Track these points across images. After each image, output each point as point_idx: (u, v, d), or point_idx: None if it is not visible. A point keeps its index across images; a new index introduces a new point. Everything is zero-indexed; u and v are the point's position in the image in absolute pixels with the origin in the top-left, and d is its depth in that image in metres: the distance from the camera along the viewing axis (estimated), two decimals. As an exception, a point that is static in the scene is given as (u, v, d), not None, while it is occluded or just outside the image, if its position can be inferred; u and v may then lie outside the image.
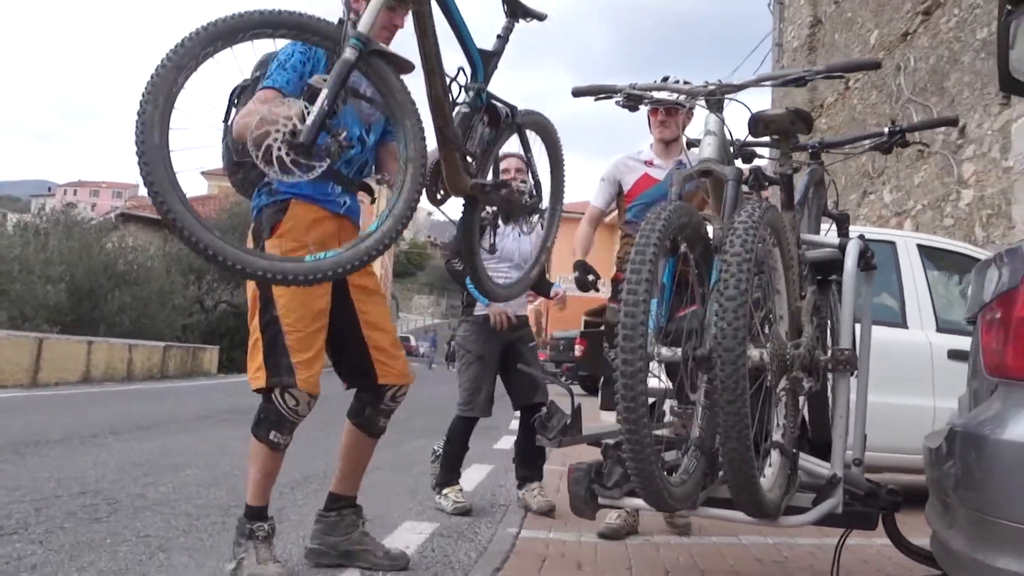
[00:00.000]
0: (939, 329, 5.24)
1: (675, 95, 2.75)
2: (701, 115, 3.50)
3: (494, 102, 2.61)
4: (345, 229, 2.94)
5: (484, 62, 2.55)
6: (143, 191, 2.05)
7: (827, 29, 14.60)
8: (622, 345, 1.96)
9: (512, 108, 2.67)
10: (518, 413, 4.78)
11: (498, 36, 2.65)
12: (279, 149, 1.99)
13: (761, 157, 3.18)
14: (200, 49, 1.90)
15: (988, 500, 1.86)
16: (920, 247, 5.49)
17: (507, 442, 7.17)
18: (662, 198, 3.66)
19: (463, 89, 2.49)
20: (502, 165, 3.20)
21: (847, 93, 12.59)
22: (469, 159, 2.51)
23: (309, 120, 2.00)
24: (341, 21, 2.17)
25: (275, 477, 2.91)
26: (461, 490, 4.44)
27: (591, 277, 3.94)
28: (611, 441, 2.57)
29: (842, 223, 3.16)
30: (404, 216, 2.20)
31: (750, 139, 2.75)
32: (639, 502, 2.48)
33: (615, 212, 4.40)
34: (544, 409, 2.61)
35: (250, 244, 2.88)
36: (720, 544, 3.93)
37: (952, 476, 2.06)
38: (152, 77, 1.85)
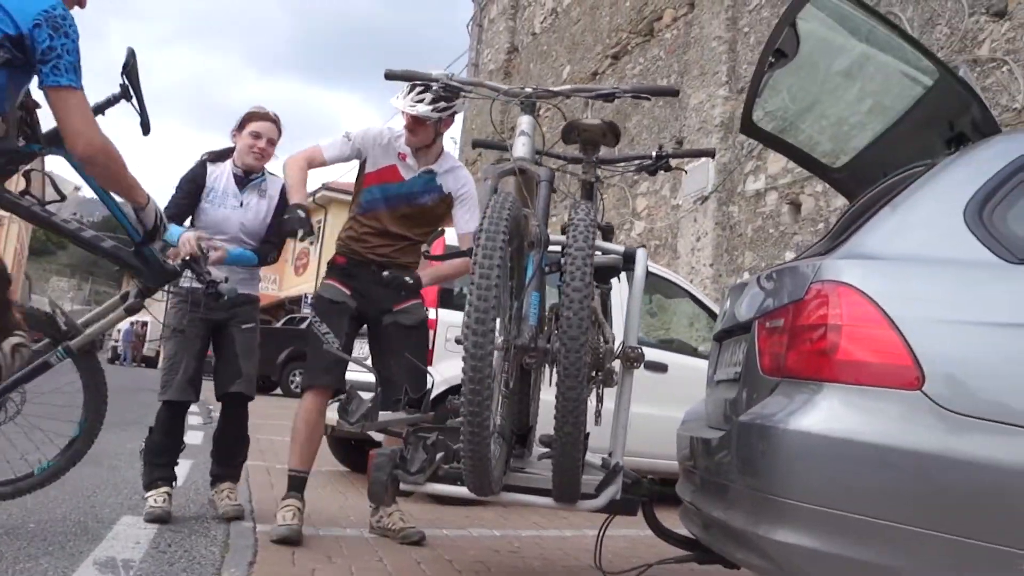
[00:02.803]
0: (636, 341, 5.81)
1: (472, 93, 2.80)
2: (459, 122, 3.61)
3: None
4: None
5: None
6: None
7: (523, 58, 15.55)
8: (473, 328, 1.97)
9: None
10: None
11: None
12: None
13: (542, 165, 3.33)
14: None
15: (772, 483, 2.12)
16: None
17: (196, 436, 6.71)
18: (402, 199, 3.68)
19: None
20: None
21: (539, 119, 13.46)
22: None
23: None
24: None
25: None
26: (168, 493, 3.73)
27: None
28: (413, 427, 2.56)
29: (607, 233, 3.42)
30: None
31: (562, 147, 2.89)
32: (443, 487, 2.50)
33: None
34: (344, 394, 2.53)
35: None
36: (454, 536, 4.01)
37: (733, 463, 2.32)
38: None
